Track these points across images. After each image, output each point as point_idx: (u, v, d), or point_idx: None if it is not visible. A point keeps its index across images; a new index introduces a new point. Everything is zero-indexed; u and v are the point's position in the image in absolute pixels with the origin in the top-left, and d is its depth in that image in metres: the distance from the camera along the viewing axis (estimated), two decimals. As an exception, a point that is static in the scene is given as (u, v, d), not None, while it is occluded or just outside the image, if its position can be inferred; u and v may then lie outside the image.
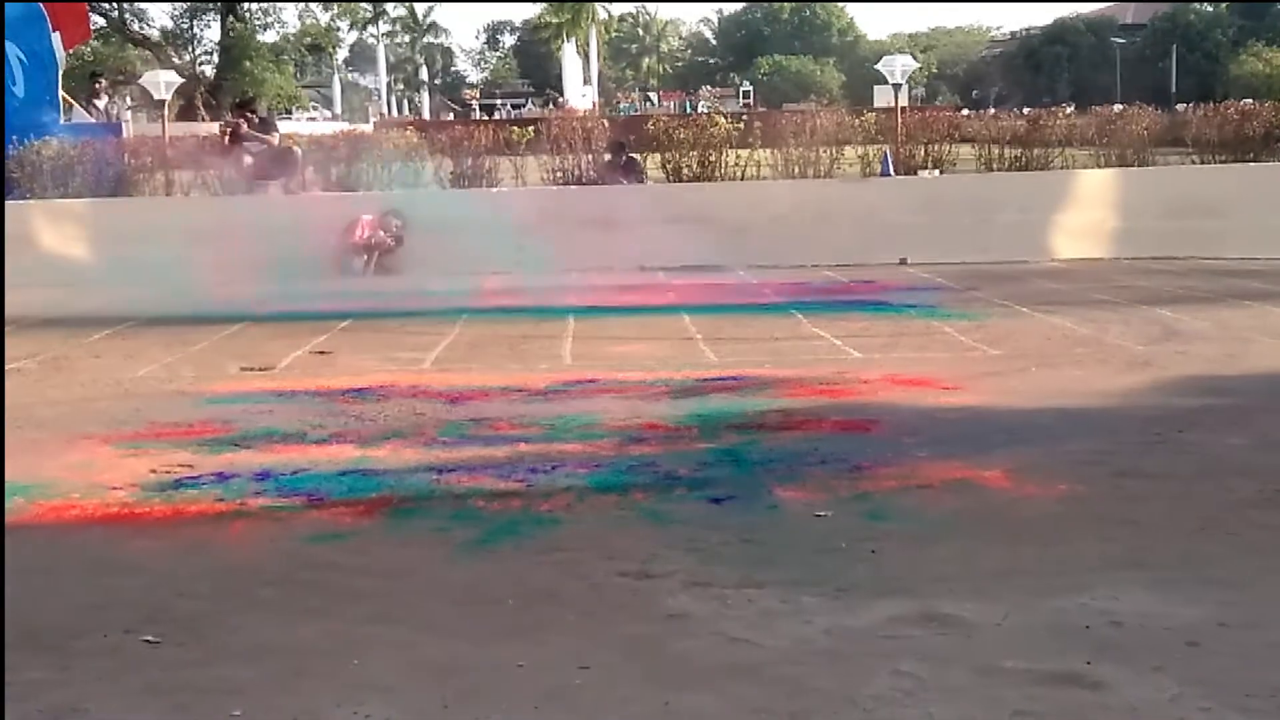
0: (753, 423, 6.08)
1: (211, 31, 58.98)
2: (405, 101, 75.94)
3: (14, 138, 13.70)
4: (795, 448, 5.59)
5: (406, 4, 77.44)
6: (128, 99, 46.12)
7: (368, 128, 26.75)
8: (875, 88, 47.47)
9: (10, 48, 14.20)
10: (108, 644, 3.55)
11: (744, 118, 16.07)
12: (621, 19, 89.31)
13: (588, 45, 68.23)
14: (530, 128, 15.77)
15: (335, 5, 64.72)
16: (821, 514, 4.64)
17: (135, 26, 55.13)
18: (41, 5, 14.59)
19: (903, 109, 15.61)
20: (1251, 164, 14.33)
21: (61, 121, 14.75)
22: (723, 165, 14.45)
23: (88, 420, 6.44)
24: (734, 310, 9.94)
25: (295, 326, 9.55)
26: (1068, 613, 3.64)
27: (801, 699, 3.11)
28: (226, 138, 14.05)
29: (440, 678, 3.27)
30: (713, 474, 5.21)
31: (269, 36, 59.29)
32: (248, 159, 13.84)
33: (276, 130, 14.70)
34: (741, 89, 73.46)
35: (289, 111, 50.38)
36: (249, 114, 14.40)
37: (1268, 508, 4.65)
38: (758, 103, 63.77)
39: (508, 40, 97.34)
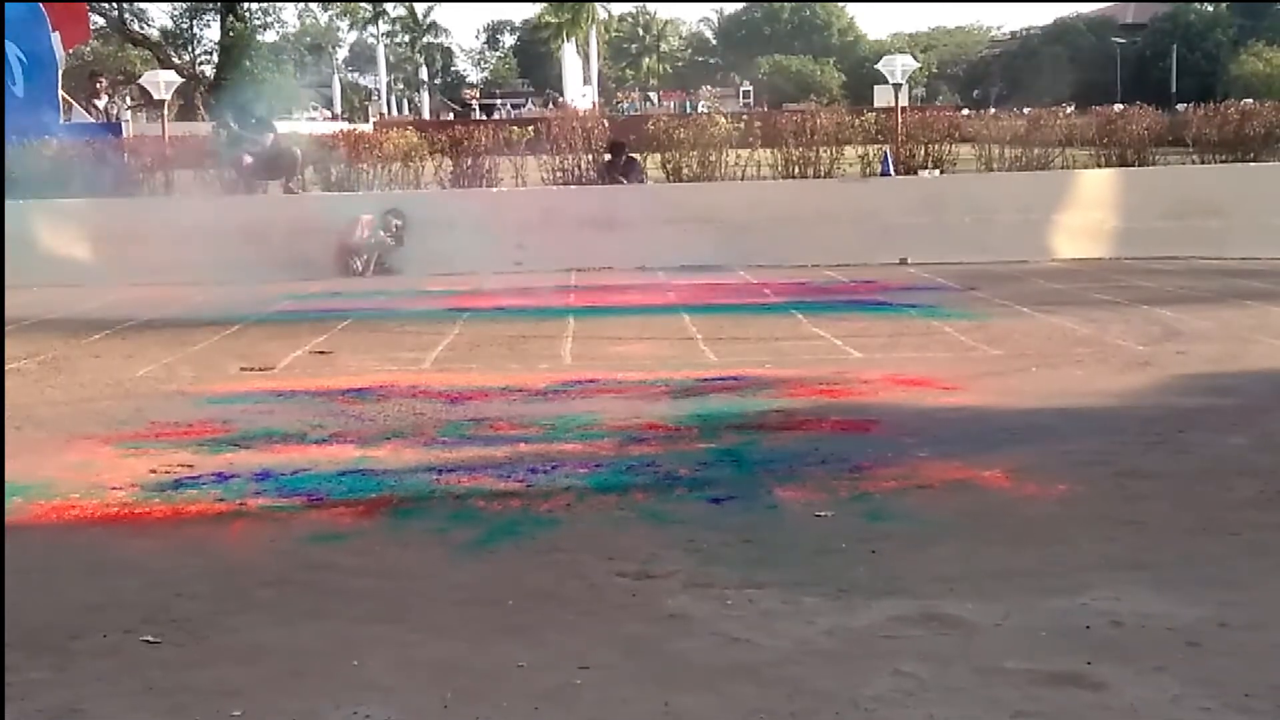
0: (753, 423, 6.08)
1: (211, 31, 59.09)
2: (405, 101, 75.92)
3: (14, 138, 13.69)
4: (795, 448, 5.58)
5: (406, 4, 77.49)
6: (128, 99, 46.14)
7: (368, 127, 26.72)
8: (875, 87, 47.47)
9: (10, 48, 14.19)
10: (107, 644, 3.55)
11: (744, 118, 16.06)
12: (621, 19, 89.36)
13: (588, 45, 68.20)
14: (530, 128, 15.77)
15: (335, 5, 64.81)
16: (821, 514, 4.64)
17: (135, 26, 55.21)
18: (41, 5, 14.58)
19: (903, 109, 15.59)
20: (1251, 164, 14.32)
21: (61, 121, 14.74)
22: (723, 165, 14.44)
23: (88, 420, 6.43)
24: (734, 310, 9.93)
25: (295, 326, 9.55)
26: (1068, 613, 3.64)
27: (801, 699, 3.11)
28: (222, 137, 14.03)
29: (440, 678, 3.27)
30: (713, 474, 5.20)
31: (269, 36, 59.40)
32: (247, 159, 13.82)
33: (273, 130, 14.65)
34: (741, 89, 73.48)
35: (289, 111, 50.32)
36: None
37: (1268, 508, 4.65)
38: (757, 102, 63.80)
39: (508, 40, 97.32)
